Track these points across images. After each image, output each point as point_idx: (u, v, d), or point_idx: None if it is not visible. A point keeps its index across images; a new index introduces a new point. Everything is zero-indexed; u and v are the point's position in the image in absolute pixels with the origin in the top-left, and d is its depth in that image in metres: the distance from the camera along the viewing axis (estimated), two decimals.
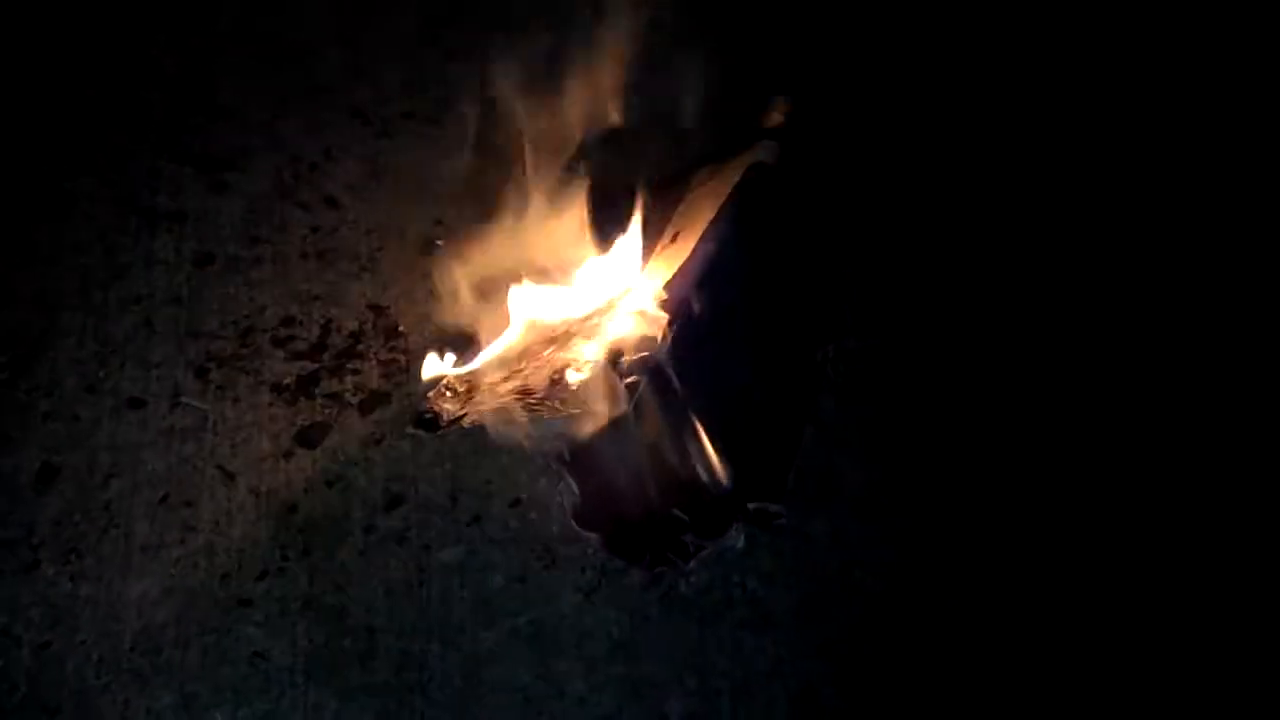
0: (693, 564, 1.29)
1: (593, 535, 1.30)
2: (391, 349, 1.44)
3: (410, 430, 1.33)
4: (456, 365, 1.29)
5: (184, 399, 1.38)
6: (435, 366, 1.29)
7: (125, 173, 1.59)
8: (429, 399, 1.32)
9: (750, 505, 1.32)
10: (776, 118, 1.48)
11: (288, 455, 1.34)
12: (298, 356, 1.43)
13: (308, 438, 1.36)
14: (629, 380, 1.22)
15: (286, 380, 1.40)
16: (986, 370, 1.49)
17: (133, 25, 1.79)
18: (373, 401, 1.39)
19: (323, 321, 1.46)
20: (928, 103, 1.78)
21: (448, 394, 1.32)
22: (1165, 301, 1.57)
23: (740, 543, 1.31)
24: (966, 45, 1.87)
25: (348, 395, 1.40)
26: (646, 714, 1.19)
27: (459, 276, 1.39)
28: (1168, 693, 1.25)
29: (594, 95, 1.50)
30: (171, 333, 1.43)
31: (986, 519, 1.36)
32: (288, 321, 1.46)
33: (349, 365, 1.42)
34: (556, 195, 1.41)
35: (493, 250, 1.41)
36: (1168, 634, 1.29)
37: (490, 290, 1.38)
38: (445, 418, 1.31)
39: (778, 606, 1.27)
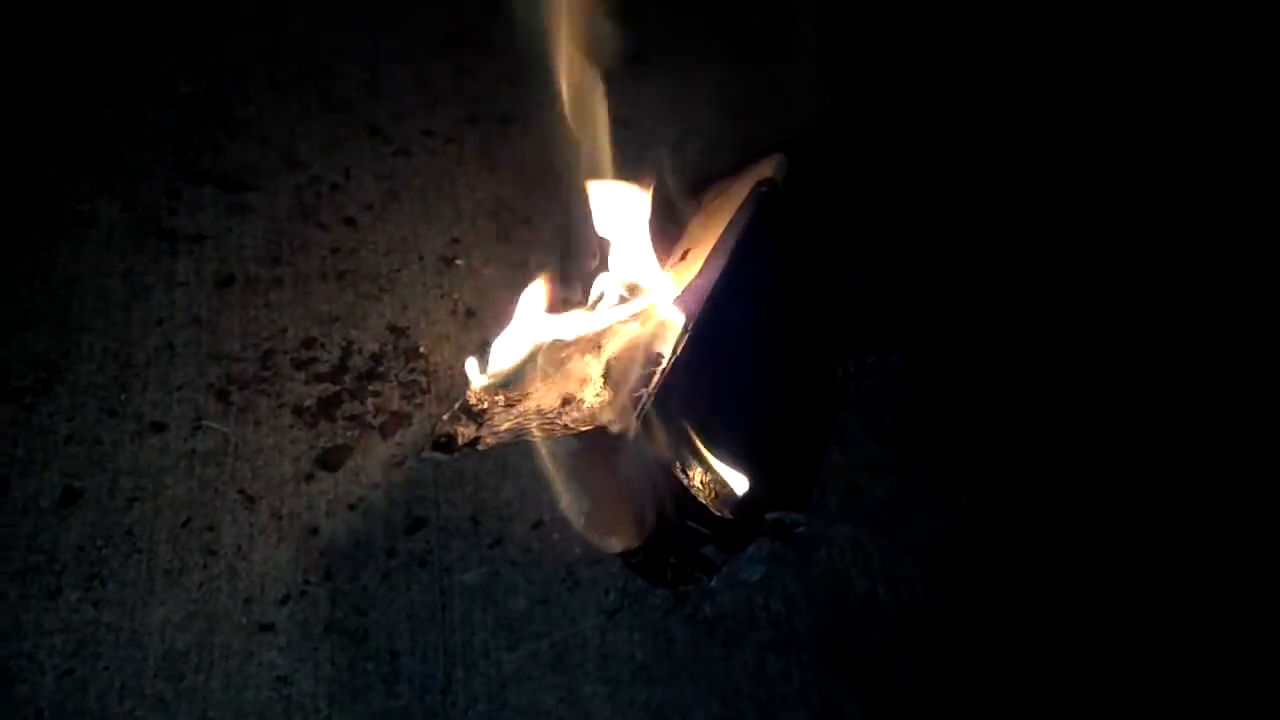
0: (716, 581, 1.28)
1: (613, 553, 1.29)
2: (412, 370, 1.44)
3: (426, 454, 1.33)
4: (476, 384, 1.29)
5: (205, 422, 1.38)
6: (474, 376, 1.30)
7: (144, 194, 1.60)
8: (445, 421, 1.32)
9: (770, 515, 1.31)
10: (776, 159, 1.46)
11: (309, 478, 1.34)
12: (319, 379, 1.42)
13: (329, 460, 1.35)
14: (635, 395, 1.21)
15: (307, 403, 1.40)
16: (1010, 385, 1.48)
17: (149, 45, 1.80)
18: (394, 423, 1.39)
19: (343, 343, 1.46)
20: (953, 118, 1.78)
21: (463, 417, 1.32)
22: (1195, 317, 1.56)
23: (762, 559, 1.31)
24: (987, 60, 1.87)
25: (369, 417, 1.39)
26: None
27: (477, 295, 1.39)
28: (1192, 709, 1.24)
29: (606, 112, 1.50)
30: (192, 355, 1.43)
31: (1011, 535, 1.35)
32: (308, 343, 1.46)
33: (370, 387, 1.42)
34: (570, 213, 1.40)
35: (509, 269, 1.41)
36: (1196, 651, 1.28)
37: (507, 309, 1.37)
38: (460, 440, 1.31)
39: (802, 627, 1.27)
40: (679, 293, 1.30)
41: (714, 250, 1.33)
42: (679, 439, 1.23)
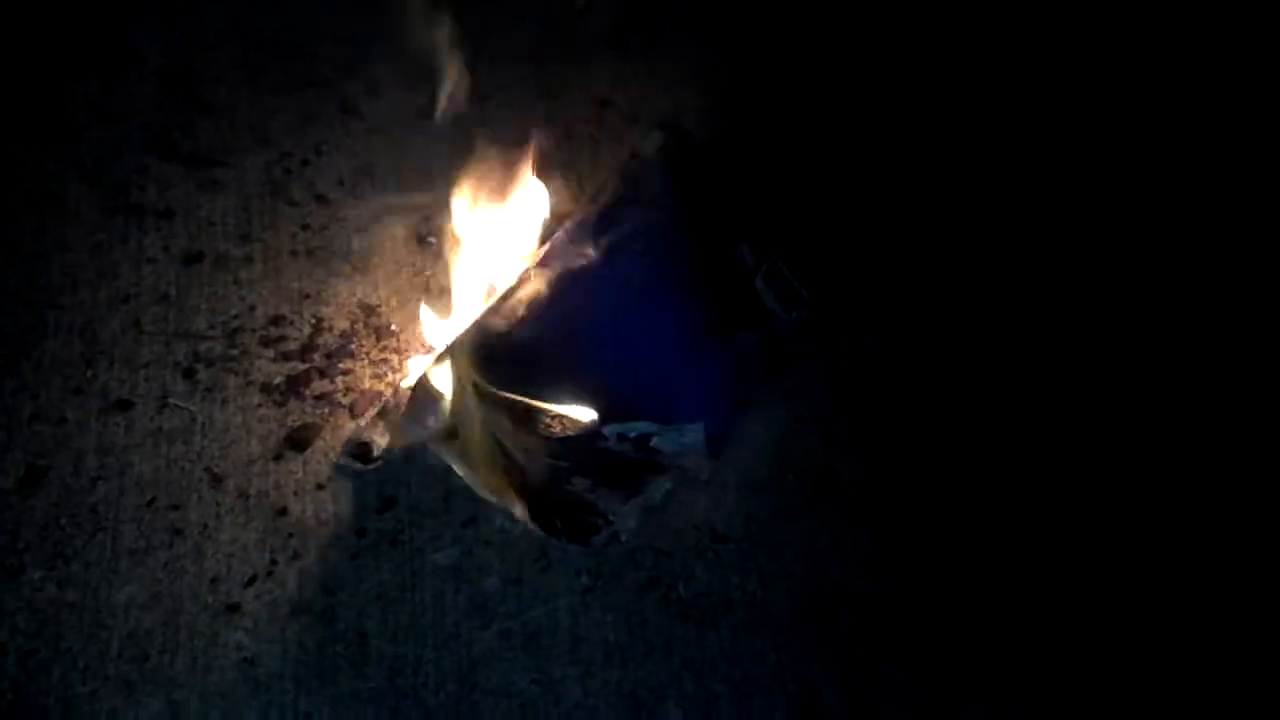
0: (631, 521, 1.27)
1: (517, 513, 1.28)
2: (383, 348, 1.42)
3: (343, 461, 1.31)
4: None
5: (172, 400, 1.35)
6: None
7: (113, 170, 1.57)
8: (361, 428, 1.32)
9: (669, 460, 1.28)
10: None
11: (277, 457, 1.32)
12: (287, 357, 1.40)
13: (298, 439, 1.33)
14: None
15: (276, 381, 1.38)
16: (984, 368, 1.47)
17: (120, 20, 1.77)
18: (364, 402, 1.36)
19: (313, 321, 1.44)
20: (919, 95, 1.77)
21: (380, 424, 1.34)
22: (1161, 294, 1.55)
23: (660, 494, 1.30)
24: (955, 34, 1.86)
25: (338, 396, 1.37)
26: (645, 719, 1.17)
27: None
28: (1168, 689, 1.24)
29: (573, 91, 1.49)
30: (160, 333, 1.41)
31: (985, 518, 1.34)
32: (277, 321, 1.43)
33: (340, 365, 1.40)
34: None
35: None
36: (1167, 628, 1.27)
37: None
38: (375, 449, 1.31)
39: (777, 609, 1.25)
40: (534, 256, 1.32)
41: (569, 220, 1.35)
42: (510, 383, 1.21)
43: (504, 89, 1.71)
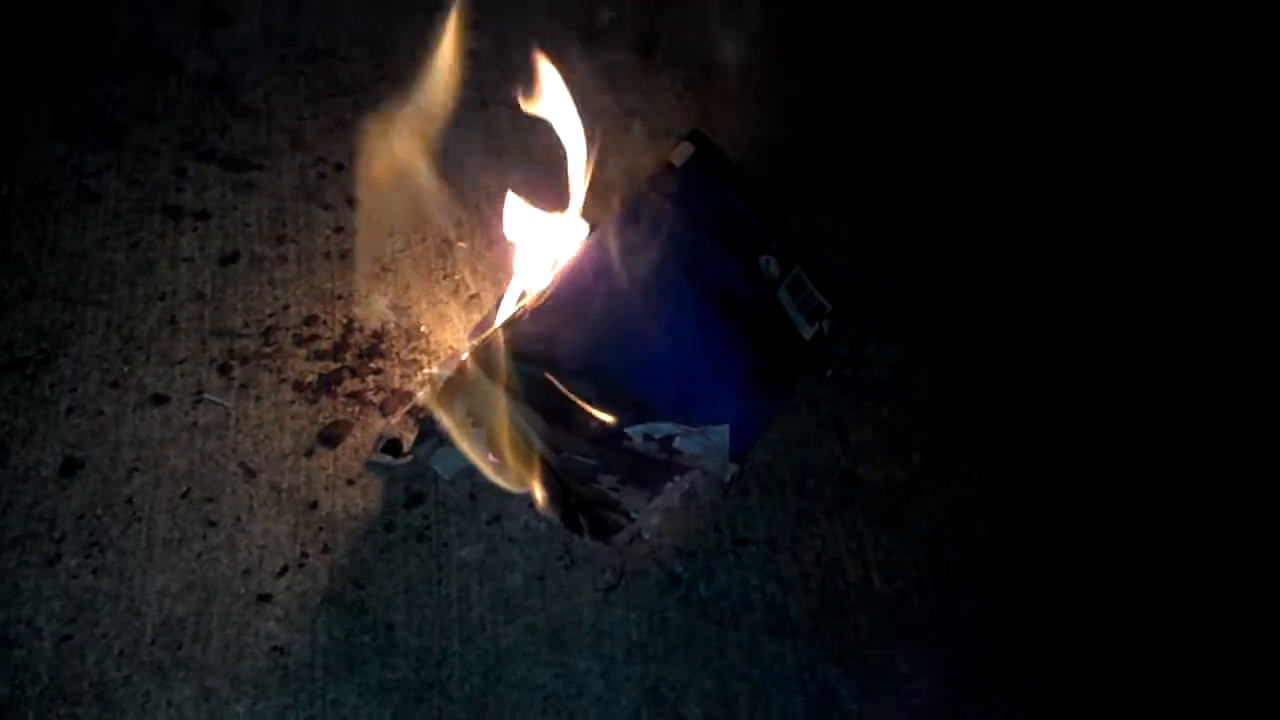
0: (653, 520, 1.30)
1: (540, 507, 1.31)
2: (413, 349, 1.45)
3: (373, 458, 1.34)
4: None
5: (207, 395, 1.38)
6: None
7: (151, 171, 1.60)
8: (391, 425, 1.35)
9: (699, 464, 1.30)
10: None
11: (309, 453, 1.35)
12: (320, 356, 1.43)
13: (329, 436, 1.36)
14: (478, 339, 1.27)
15: (309, 379, 1.41)
16: (1009, 376, 1.49)
17: (159, 25, 1.81)
18: (394, 401, 1.39)
19: (345, 321, 1.47)
20: (963, 110, 1.79)
21: (410, 420, 1.36)
22: (1197, 311, 1.57)
23: (681, 494, 1.33)
24: (987, 52, 1.88)
25: (369, 395, 1.40)
26: (665, 715, 1.19)
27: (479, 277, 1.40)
28: (1182, 697, 1.25)
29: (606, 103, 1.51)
30: (196, 330, 1.44)
31: (1006, 526, 1.36)
32: (310, 321, 1.46)
33: (371, 365, 1.43)
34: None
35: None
36: (1192, 644, 1.28)
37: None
38: (405, 446, 1.34)
39: (796, 610, 1.27)
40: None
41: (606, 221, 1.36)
42: (539, 381, 1.23)
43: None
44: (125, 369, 1.40)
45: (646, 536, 1.30)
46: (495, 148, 1.70)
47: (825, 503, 1.36)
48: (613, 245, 1.33)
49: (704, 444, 1.26)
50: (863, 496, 1.37)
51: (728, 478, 1.32)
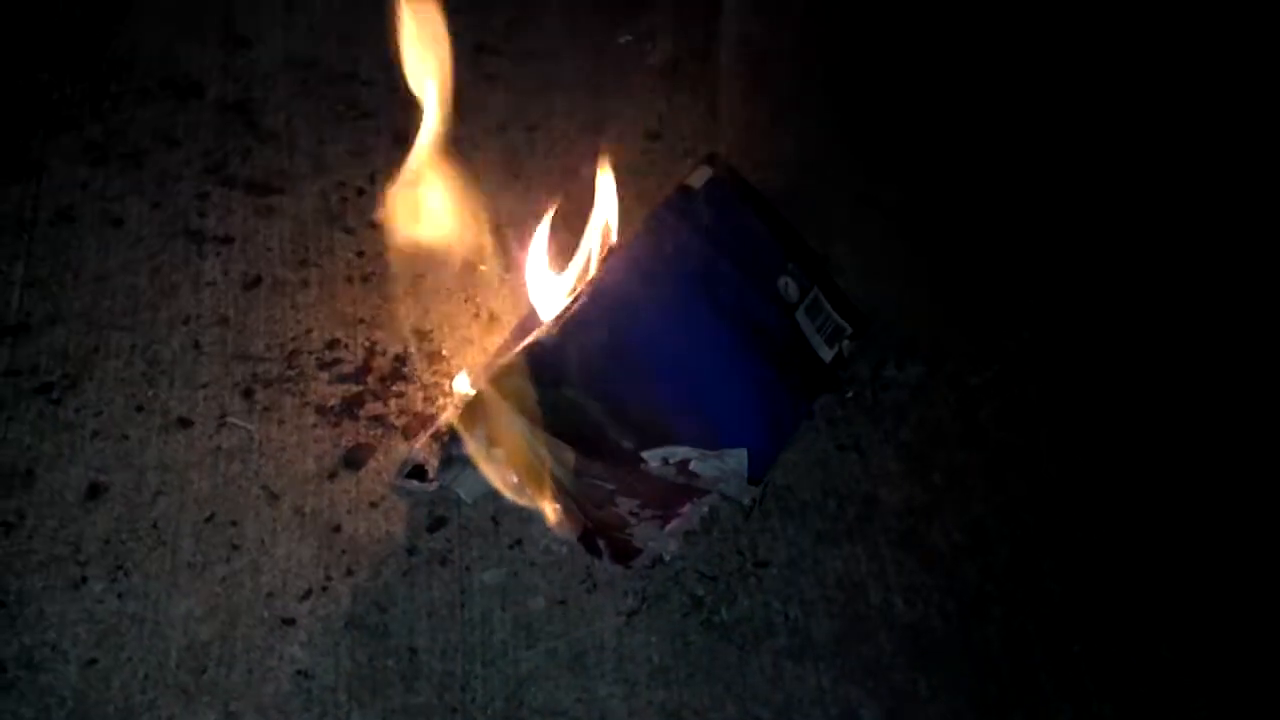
0: (673, 544, 1.30)
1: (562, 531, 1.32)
2: (435, 373, 1.46)
3: (399, 482, 1.35)
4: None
5: (230, 419, 1.39)
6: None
7: (173, 195, 1.62)
8: (417, 449, 1.36)
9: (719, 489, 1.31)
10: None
11: (332, 476, 1.35)
12: (342, 379, 1.44)
13: (352, 459, 1.37)
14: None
15: (331, 403, 1.42)
16: (1029, 398, 1.49)
17: (180, 49, 1.82)
18: (417, 425, 1.40)
19: (367, 345, 1.48)
20: (982, 121, 1.79)
21: (435, 445, 1.36)
22: (1216, 330, 1.56)
23: (700, 517, 1.33)
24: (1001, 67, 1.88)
25: (392, 418, 1.41)
26: None
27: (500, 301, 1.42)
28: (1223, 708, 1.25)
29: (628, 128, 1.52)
30: (219, 354, 1.45)
31: (1026, 543, 1.36)
32: (333, 344, 1.47)
33: (393, 388, 1.44)
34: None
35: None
36: (1215, 653, 1.28)
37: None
38: (428, 470, 1.35)
39: (818, 633, 1.27)
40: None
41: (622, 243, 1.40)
42: (556, 405, 1.24)
43: (550, 121, 1.76)
44: (149, 393, 1.41)
45: (667, 559, 1.30)
46: (515, 170, 1.70)
47: (846, 525, 1.36)
48: (630, 269, 1.34)
49: (721, 468, 1.27)
50: (884, 518, 1.37)
51: (747, 501, 1.33)
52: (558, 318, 1.28)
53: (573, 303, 1.29)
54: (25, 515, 1.30)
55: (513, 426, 1.26)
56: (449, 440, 1.34)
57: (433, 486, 1.34)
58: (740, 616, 1.28)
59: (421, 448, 1.38)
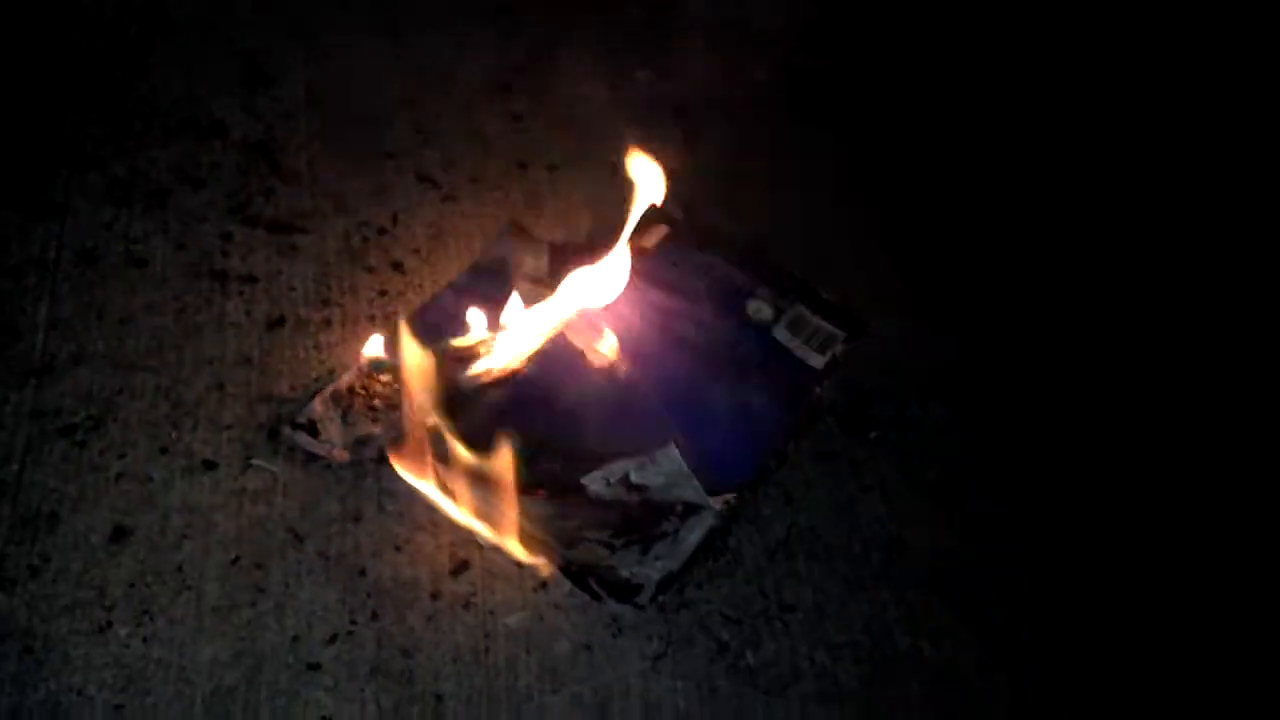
0: (655, 575, 1.30)
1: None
2: None
3: (290, 431, 1.40)
4: None
5: (255, 461, 1.39)
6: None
7: (197, 236, 1.62)
8: (315, 404, 1.42)
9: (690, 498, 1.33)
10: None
11: (356, 518, 1.35)
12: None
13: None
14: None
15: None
16: (1055, 437, 1.49)
17: (203, 88, 1.83)
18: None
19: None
20: (985, 153, 1.79)
21: (332, 405, 1.42)
22: (1244, 369, 1.56)
23: (692, 541, 1.33)
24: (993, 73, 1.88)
25: None
26: None
27: None
28: None
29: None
30: (243, 395, 1.45)
31: (1054, 591, 1.35)
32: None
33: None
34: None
35: None
36: (1255, 699, 1.27)
37: None
38: (323, 430, 1.41)
39: (845, 678, 1.27)
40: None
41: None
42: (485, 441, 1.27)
43: (566, 160, 1.77)
44: (174, 434, 1.41)
45: (675, 589, 1.30)
46: (535, 208, 1.71)
47: (872, 568, 1.35)
48: (580, 333, 1.43)
49: (661, 470, 1.29)
50: (910, 561, 1.37)
51: (718, 506, 1.33)
52: (504, 369, 1.35)
53: (521, 362, 1.38)
54: (50, 558, 1.29)
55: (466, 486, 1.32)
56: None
57: (322, 449, 1.37)
58: (766, 661, 1.27)
59: (319, 404, 1.40)
